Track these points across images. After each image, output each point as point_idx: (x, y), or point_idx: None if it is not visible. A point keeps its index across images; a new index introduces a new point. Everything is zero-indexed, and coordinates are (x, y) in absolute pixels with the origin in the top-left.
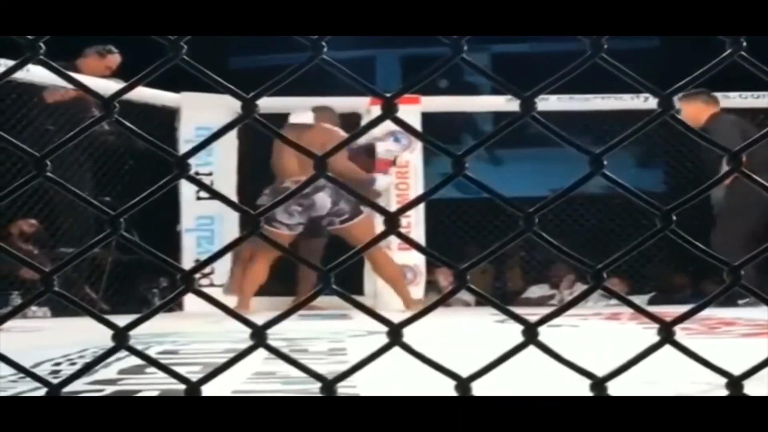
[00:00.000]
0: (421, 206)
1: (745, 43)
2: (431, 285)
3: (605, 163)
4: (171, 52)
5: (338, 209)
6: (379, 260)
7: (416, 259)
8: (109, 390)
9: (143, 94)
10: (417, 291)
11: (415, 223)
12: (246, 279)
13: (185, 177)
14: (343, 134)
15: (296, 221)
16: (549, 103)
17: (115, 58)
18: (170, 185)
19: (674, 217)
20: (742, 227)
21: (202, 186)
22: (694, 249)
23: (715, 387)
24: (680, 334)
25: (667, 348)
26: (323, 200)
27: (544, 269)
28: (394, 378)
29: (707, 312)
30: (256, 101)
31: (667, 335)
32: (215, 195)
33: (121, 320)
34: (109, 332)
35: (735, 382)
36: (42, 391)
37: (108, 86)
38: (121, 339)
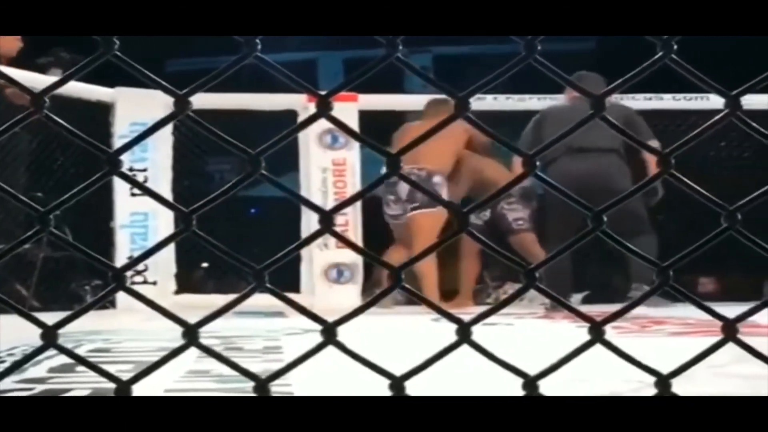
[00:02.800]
0: (358, 205)
1: (676, 46)
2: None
3: (538, 164)
4: (102, 48)
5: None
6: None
7: (354, 258)
8: (38, 389)
9: (77, 88)
10: (354, 290)
11: (353, 222)
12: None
13: (117, 174)
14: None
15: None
16: (486, 102)
17: None
18: (101, 182)
19: (605, 218)
20: None
21: (133, 183)
22: (623, 249)
23: (645, 385)
24: (612, 332)
25: (600, 346)
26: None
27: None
28: (329, 377)
29: (639, 311)
30: (189, 98)
31: (597, 334)
32: (147, 192)
33: (53, 317)
34: (39, 330)
35: (663, 381)
36: None
37: (41, 80)
38: (50, 337)
